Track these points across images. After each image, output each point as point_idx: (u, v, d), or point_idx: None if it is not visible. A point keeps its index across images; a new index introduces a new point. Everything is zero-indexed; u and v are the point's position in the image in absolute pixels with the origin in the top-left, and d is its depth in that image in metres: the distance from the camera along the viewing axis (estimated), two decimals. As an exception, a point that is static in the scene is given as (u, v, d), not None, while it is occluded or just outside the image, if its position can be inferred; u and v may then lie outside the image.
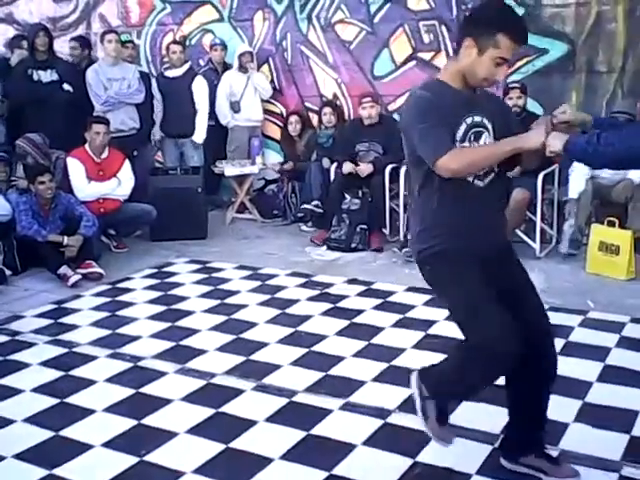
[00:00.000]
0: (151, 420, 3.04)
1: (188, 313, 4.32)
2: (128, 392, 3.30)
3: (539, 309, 2.44)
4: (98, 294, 4.74)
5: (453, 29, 6.11)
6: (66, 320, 4.27)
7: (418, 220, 2.44)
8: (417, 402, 2.46)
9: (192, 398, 3.23)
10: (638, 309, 4.12)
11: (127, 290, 4.80)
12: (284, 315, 4.23)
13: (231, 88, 6.79)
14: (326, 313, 4.25)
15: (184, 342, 3.88)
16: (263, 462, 2.70)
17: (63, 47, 7.24)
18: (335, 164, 6.09)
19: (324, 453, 2.75)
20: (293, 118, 6.71)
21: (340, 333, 3.93)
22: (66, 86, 6.22)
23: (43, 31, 6.35)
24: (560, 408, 2.98)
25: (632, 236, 4.74)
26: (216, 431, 2.93)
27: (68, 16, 8.02)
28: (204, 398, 3.22)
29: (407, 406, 3.06)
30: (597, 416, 2.94)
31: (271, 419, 3.02)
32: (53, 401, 3.24)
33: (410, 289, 4.59)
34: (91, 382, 3.42)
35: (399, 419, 2.98)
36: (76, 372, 3.54)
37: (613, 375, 3.31)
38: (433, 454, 2.69)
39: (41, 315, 4.36)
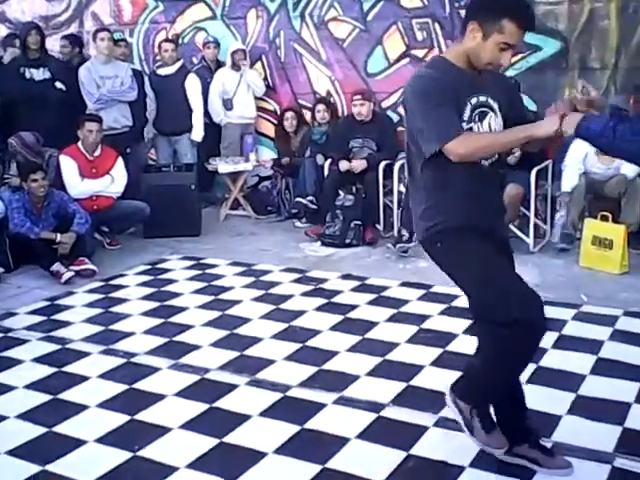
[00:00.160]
0: (144, 415, 3.03)
1: (182, 309, 4.31)
2: (121, 388, 3.29)
3: None
4: (91, 291, 4.73)
5: (446, 27, 6.13)
6: (59, 317, 4.25)
7: (423, 198, 2.38)
8: (459, 419, 2.43)
9: (186, 393, 3.22)
10: (631, 303, 4.14)
11: (120, 287, 4.79)
12: (278, 310, 4.23)
13: (224, 86, 6.78)
14: (320, 308, 4.24)
15: (178, 338, 3.87)
16: (257, 456, 2.70)
17: (55, 45, 7.21)
18: (329, 161, 6.09)
19: (318, 447, 2.74)
20: (289, 114, 6.69)
21: (334, 328, 3.93)
22: (58, 84, 6.19)
23: (35, 29, 6.32)
24: (553, 400, 3.00)
25: (625, 230, 4.75)
26: (210, 426, 2.92)
27: (60, 14, 7.99)
28: (198, 393, 3.21)
29: (401, 400, 3.09)
30: (590, 408, 2.95)
31: (265, 414, 3.02)
32: (46, 397, 3.23)
33: (404, 284, 4.60)
34: (84, 378, 3.41)
35: (393, 413, 2.98)
36: (69, 368, 3.53)
37: (606, 368, 3.32)
38: (427, 447, 2.69)
39: (34, 312, 4.34)
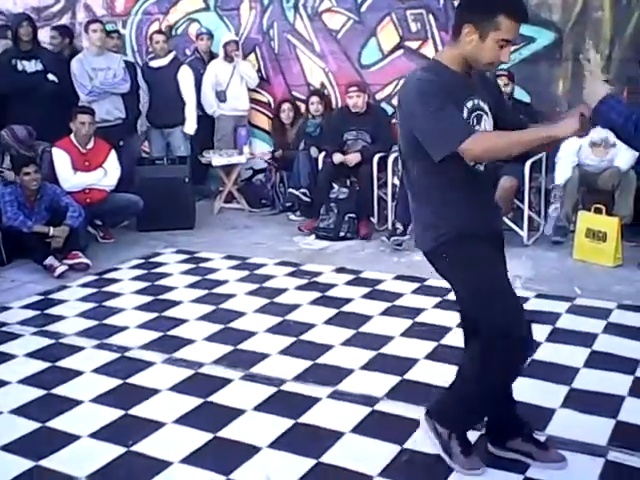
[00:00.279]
0: (138, 410, 3.03)
1: (176, 303, 4.30)
2: (115, 382, 3.29)
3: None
4: (85, 285, 4.72)
5: (440, 18, 6.10)
6: (53, 311, 4.24)
7: (422, 205, 2.35)
8: (436, 444, 2.43)
9: (180, 388, 3.22)
10: (624, 295, 4.15)
11: (114, 281, 4.77)
12: (272, 304, 4.22)
13: (217, 77, 6.75)
14: (314, 302, 4.24)
15: (172, 332, 3.86)
16: (251, 451, 2.69)
17: (47, 37, 7.16)
18: (323, 153, 6.07)
19: (312, 441, 2.74)
20: (286, 106, 6.65)
21: (328, 322, 3.93)
22: (51, 76, 6.15)
23: (27, 21, 6.27)
24: (547, 394, 3.01)
25: (619, 223, 4.76)
26: (204, 420, 2.92)
27: (52, 6, 7.94)
28: (192, 388, 3.21)
29: (395, 393, 3.09)
30: (584, 401, 2.95)
31: (259, 408, 3.01)
32: (40, 392, 3.22)
33: (398, 277, 4.59)
34: (78, 373, 3.40)
35: (387, 406, 2.98)
36: (63, 363, 3.52)
37: (600, 361, 3.32)
38: (421, 441, 2.68)
39: (27, 306, 4.33)
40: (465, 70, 2.29)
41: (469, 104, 2.27)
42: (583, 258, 4.82)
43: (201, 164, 6.63)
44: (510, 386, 2.51)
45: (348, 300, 4.24)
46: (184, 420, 2.94)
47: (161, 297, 4.43)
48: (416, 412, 2.85)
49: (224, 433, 2.83)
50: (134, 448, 2.75)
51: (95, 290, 4.60)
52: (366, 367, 3.36)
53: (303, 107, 6.71)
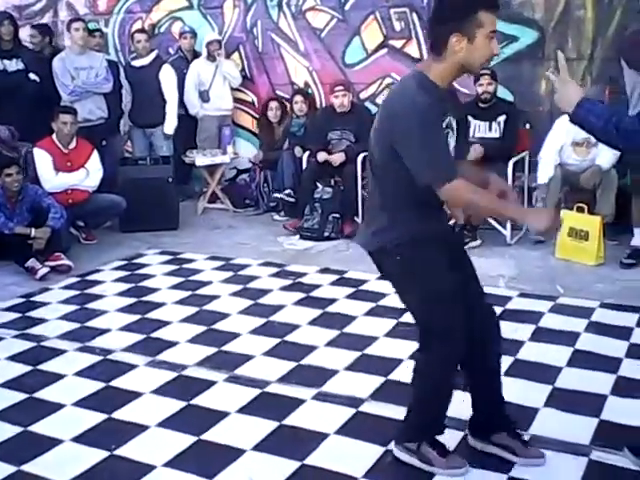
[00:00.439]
0: (121, 414, 3.01)
1: (159, 305, 4.28)
2: (98, 386, 3.26)
3: (482, 294, 2.53)
4: (67, 287, 4.68)
5: (424, 17, 6.10)
6: (34, 314, 4.20)
7: (378, 210, 2.42)
8: (414, 462, 2.51)
9: (163, 390, 3.20)
10: (607, 294, 4.18)
11: (97, 282, 4.74)
12: (256, 305, 4.21)
13: (199, 77, 6.72)
14: (299, 303, 4.23)
15: (155, 334, 3.84)
16: (235, 453, 2.68)
17: (27, 36, 7.08)
18: (307, 153, 6.06)
19: (297, 443, 2.74)
20: (274, 104, 6.61)
21: (313, 322, 3.93)
22: (32, 75, 6.09)
23: (8, 19, 6.21)
24: (530, 393, 3.02)
25: (601, 222, 4.78)
26: (187, 423, 2.90)
27: (34, 4, 7.88)
28: (175, 390, 3.19)
29: (379, 394, 3.09)
30: (567, 400, 2.97)
31: (243, 410, 3.00)
32: (21, 396, 3.19)
33: (382, 277, 4.58)
34: (60, 376, 3.37)
35: (371, 408, 2.98)
36: (45, 366, 3.49)
37: (582, 360, 3.34)
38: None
39: (9, 309, 4.28)
40: (447, 86, 2.33)
41: (445, 121, 2.31)
42: (565, 257, 4.85)
43: (184, 164, 6.60)
44: (497, 386, 2.56)
45: (332, 300, 4.24)
46: (167, 423, 2.92)
47: (144, 299, 4.40)
48: (401, 413, 2.84)
49: (208, 436, 2.81)
50: (117, 452, 2.73)
51: (77, 292, 4.57)
52: (350, 368, 3.36)
53: (288, 106, 6.70)
